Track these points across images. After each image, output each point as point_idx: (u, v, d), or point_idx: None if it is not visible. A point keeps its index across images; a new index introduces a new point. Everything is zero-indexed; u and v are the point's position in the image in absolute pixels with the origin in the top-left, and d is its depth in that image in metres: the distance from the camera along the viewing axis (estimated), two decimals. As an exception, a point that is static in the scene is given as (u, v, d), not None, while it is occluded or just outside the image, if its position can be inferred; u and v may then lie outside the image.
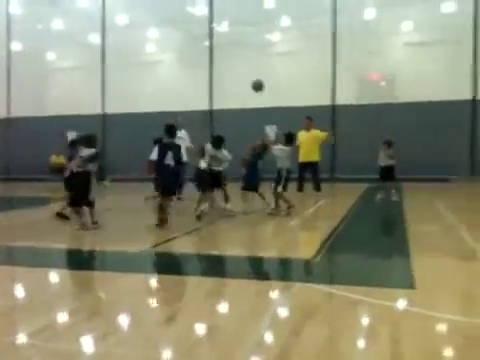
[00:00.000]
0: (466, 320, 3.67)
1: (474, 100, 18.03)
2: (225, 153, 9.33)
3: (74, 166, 7.84)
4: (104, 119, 22.31)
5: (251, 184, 9.44)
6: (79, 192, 7.72)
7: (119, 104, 21.41)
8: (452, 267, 5.43)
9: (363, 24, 19.07)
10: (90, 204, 7.75)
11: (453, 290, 4.50)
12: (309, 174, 12.59)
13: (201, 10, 21.14)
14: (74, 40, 22.66)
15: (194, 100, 20.32)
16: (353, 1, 19.15)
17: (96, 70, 22.37)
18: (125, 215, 9.84)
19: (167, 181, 7.81)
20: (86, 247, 6.96)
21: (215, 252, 6.51)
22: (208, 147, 9.27)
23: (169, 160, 7.58)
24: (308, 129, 12.52)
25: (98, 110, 22.43)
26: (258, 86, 10.09)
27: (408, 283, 4.56)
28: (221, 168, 9.23)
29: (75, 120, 21.01)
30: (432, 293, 4.33)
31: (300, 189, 12.33)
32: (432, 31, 18.33)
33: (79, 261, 6.11)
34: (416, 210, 10.13)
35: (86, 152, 7.75)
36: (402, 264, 5.48)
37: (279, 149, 9.21)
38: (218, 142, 9.21)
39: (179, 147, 7.99)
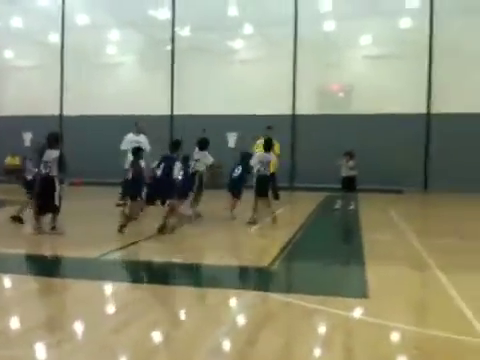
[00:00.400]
0: (418, 330, 3.78)
1: (428, 114, 18.65)
2: (209, 156, 9.49)
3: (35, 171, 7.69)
4: (61, 121, 21.82)
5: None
6: (45, 199, 7.50)
7: (78, 106, 21.01)
8: (404, 276, 5.59)
9: (324, 36, 19.44)
10: (55, 210, 7.54)
11: (405, 299, 4.62)
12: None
13: (164, 14, 21.04)
14: (33, 39, 22.10)
15: (155, 104, 20.19)
16: (314, 13, 19.48)
17: (55, 70, 21.89)
18: (84, 219, 9.63)
19: (154, 190, 7.83)
20: (43, 252, 6.78)
21: (171, 259, 6.46)
22: (195, 150, 9.47)
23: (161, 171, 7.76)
24: None
25: (56, 111, 21.93)
26: None
27: (362, 292, 4.66)
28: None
29: (32, 121, 20.49)
30: (385, 302, 4.44)
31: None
32: (390, 45, 18.87)
33: (35, 267, 5.95)
34: (371, 219, 10.37)
35: (49, 155, 7.54)
36: (357, 273, 5.60)
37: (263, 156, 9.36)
38: (203, 144, 9.49)
39: (174, 160, 7.96)
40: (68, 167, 7.63)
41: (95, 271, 5.61)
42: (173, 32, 20.90)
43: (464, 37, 17.59)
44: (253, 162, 9.33)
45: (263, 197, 9.19)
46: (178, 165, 7.92)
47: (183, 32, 21.15)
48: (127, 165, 11.71)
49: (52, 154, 7.55)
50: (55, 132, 7.95)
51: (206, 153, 9.45)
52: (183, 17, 20.73)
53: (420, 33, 18.56)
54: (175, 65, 20.78)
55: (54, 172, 7.48)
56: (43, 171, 7.53)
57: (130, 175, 8.94)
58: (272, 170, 12.32)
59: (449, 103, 17.97)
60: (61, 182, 7.67)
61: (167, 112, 20.76)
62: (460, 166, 17.47)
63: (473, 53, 18.02)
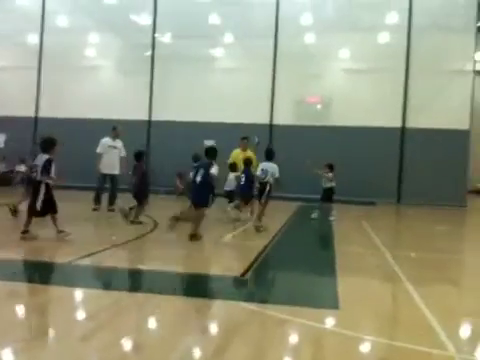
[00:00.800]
0: (387, 342, 3.82)
1: (403, 128, 18.97)
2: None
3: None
4: (36, 123, 21.50)
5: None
6: (31, 202, 7.44)
7: (54, 108, 20.71)
8: (375, 287, 5.65)
9: (304, 48, 19.63)
10: (36, 214, 7.43)
11: (375, 310, 4.66)
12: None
13: (145, 19, 20.97)
14: (11, 39, 21.72)
15: (133, 109, 20.05)
16: (295, 25, 19.66)
17: (32, 71, 21.56)
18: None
19: (194, 195, 8.26)
20: (12, 256, 6.63)
21: (142, 266, 6.40)
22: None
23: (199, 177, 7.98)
24: (244, 149, 12.57)
25: (31, 113, 21.60)
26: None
27: (333, 303, 4.69)
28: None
29: (6, 122, 20.11)
30: (355, 313, 4.48)
31: (236, 206, 12.45)
32: (369, 60, 19.15)
33: (2, 271, 5.82)
34: (345, 231, 10.49)
35: (40, 159, 7.52)
36: (328, 284, 5.64)
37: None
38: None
39: (208, 165, 8.09)
40: (51, 173, 7.52)
41: (65, 277, 5.53)
42: (154, 38, 20.84)
43: (440, 54, 18.01)
44: (258, 171, 9.92)
45: (262, 203, 9.79)
46: (215, 167, 8.01)
47: (164, 38, 21.10)
48: (103, 169, 11.69)
49: (42, 158, 7.51)
50: (50, 137, 7.86)
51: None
52: (164, 23, 20.69)
53: (398, 49, 18.91)
54: (155, 71, 20.71)
55: (39, 176, 7.42)
56: (33, 175, 7.55)
57: (133, 180, 9.46)
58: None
59: (423, 118, 18.34)
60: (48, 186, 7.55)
61: (145, 117, 20.65)
62: (432, 180, 17.81)
63: (448, 70, 18.47)
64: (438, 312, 4.47)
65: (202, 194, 8.00)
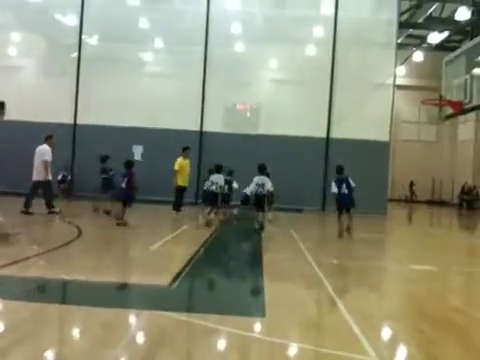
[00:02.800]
0: (312, 348, 3.90)
1: (328, 139, 19.62)
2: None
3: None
4: None
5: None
6: None
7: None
8: (301, 294, 5.77)
9: (233, 56, 19.87)
10: None
11: (301, 317, 4.74)
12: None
13: (71, 20, 20.28)
14: None
15: (58, 112, 19.25)
16: (225, 33, 19.81)
17: None
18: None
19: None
20: None
21: (66, 276, 6.14)
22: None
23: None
24: (186, 157, 14.10)
25: None
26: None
27: (260, 311, 4.73)
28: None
29: None
30: (281, 320, 4.54)
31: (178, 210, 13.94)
32: (297, 71, 19.65)
33: None
34: (272, 238, 10.65)
35: None
36: (255, 291, 5.70)
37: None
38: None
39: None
40: None
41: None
42: (80, 39, 20.19)
43: (363, 68, 18.81)
44: (252, 185, 11.39)
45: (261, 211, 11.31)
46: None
47: (91, 40, 20.52)
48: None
49: None
50: None
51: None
52: (92, 25, 20.10)
53: (324, 61, 19.55)
54: (81, 73, 20.04)
55: None
56: None
57: (123, 184, 10.74)
58: (180, 183, 13.88)
59: (347, 129, 19.07)
60: None
61: (70, 121, 19.89)
62: (356, 189, 18.45)
63: (370, 83, 19.37)
64: (360, 317, 4.63)
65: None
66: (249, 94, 20.11)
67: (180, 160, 13.96)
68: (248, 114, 20.41)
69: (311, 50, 20.26)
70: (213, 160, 18.69)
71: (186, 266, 6.78)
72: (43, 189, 12.06)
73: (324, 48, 19.70)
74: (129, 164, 11.10)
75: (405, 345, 4.19)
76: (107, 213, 12.37)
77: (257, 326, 4.38)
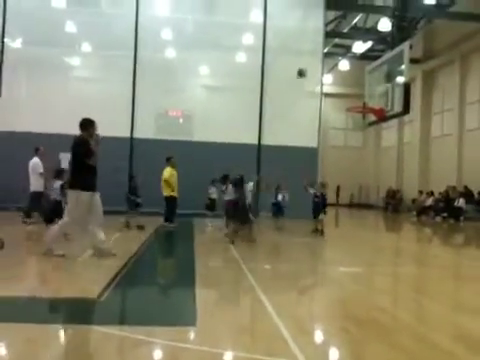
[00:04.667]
0: (242, 354, 3.92)
1: (259, 145, 19.90)
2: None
3: None
4: None
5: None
6: None
7: None
8: (232, 301, 5.80)
9: (164, 62, 19.73)
10: None
11: (232, 324, 4.75)
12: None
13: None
14: None
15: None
16: (155, 38, 19.65)
17: None
18: None
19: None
20: None
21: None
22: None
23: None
24: (173, 167, 14.13)
25: None
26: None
27: (190, 320, 4.70)
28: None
29: None
30: (213, 328, 4.53)
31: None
32: (228, 78, 19.82)
33: None
34: (205, 245, 10.63)
35: None
36: (186, 300, 5.65)
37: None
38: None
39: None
40: None
41: None
42: (2, 43, 19.27)
43: (292, 76, 19.25)
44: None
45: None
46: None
47: (14, 44, 19.65)
48: None
49: None
50: None
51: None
52: (15, 28, 19.26)
53: (254, 69, 19.83)
54: (3, 78, 19.12)
55: None
56: None
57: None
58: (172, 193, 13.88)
59: (277, 136, 19.42)
60: None
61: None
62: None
63: (299, 91, 19.87)
64: (290, 322, 4.72)
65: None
66: (181, 100, 20.00)
67: (169, 169, 13.93)
68: (181, 120, 20.30)
69: (241, 57, 20.54)
70: (144, 167, 18.55)
71: (115, 277, 6.57)
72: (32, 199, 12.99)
73: (254, 55, 20.00)
74: (59, 173, 11.34)
75: (332, 346, 4.32)
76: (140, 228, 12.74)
77: (188, 335, 4.36)
